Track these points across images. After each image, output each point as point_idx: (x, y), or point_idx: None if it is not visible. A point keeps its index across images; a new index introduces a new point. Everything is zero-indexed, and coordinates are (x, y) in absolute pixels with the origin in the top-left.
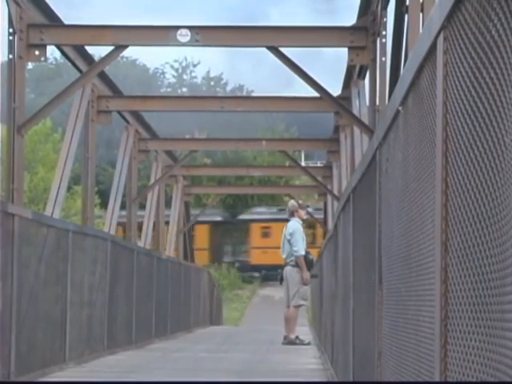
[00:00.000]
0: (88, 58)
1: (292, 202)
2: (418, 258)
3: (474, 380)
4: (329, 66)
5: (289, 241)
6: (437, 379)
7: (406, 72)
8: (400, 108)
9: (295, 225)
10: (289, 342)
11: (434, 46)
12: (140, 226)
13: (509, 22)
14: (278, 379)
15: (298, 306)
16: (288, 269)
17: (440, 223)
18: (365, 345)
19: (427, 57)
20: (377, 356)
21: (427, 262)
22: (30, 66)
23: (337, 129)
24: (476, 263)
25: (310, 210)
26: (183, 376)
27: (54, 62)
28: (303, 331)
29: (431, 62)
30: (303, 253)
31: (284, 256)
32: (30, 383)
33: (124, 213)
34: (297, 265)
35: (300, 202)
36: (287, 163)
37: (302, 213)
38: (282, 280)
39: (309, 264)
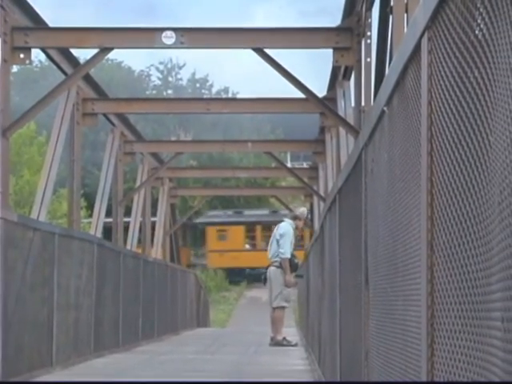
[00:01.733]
0: (73, 61)
1: (304, 210)
2: (404, 257)
3: (461, 379)
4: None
5: (277, 241)
6: (424, 378)
7: (391, 72)
8: (385, 108)
9: (287, 227)
10: (276, 343)
11: (418, 47)
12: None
13: (492, 21)
14: (266, 380)
15: (280, 308)
16: (272, 269)
17: (426, 223)
18: (352, 345)
19: (412, 57)
20: (364, 356)
21: (413, 262)
22: (14, 69)
23: (322, 130)
24: (462, 262)
25: None
26: (171, 378)
27: (38, 65)
28: (290, 332)
29: (416, 62)
30: (289, 256)
31: (269, 256)
32: (31, 383)
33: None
34: (281, 266)
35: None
36: (273, 165)
37: (301, 223)
38: (265, 280)
39: (293, 268)
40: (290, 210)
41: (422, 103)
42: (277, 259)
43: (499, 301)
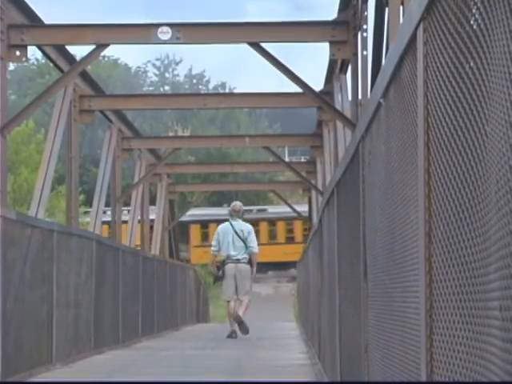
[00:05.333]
0: (69, 58)
1: (241, 204)
2: (403, 249)
3: (460, 369)
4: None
5: (243, 239)
6: (423, 369)
7: (387, 64)
8: (381, 100)
9: (248, 225)
10: (246, 329)
11: (413, 38)
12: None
13: (487, 11)
14: (266, 375)
15: (249, 300)
16: (243, 266)
17: (423, 214)
18: (351, 338)
19: (407, 48)
20: (364, 349)
21: (411, 253)
22: (11, 67)
23: (320, 124)
24: (460, 253)
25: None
26: (171, 374)
27: (35, 63)
28: (290, 326)
29: (411, 54)
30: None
31: (234, 253)
32: (31, 383)
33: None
34: (249, 262)
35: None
36: (271, 159)
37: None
38: (222, 277)
39: None
40: (290, 206)
41: (418, 94)
42: (245, 256)
43: (497, 290)
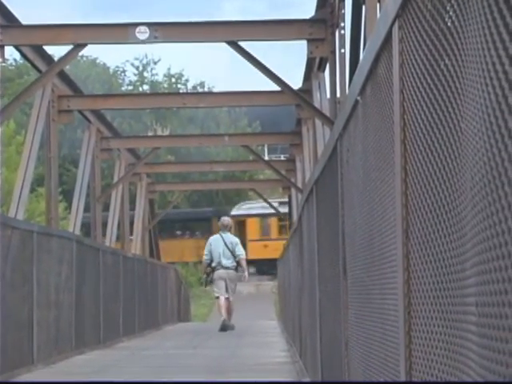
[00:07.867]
0: (47, 58)
1: (229, 219)
2: (381, 246)
3: (438, 365)
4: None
5: (231, 250)
6: (402, 366)
7: (364, 62)
8: (359, 98)
9: (235, 238)
10: (232, 327)
11: (389, 35)
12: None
13: (461, 9)
14: (248, 374)
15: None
16: (232, 272)
17: (401, 211)
18: (332, 335)
19: (383, 46)
20: (344, 346)
21: (389, 250)
22: None
23: (299, 122)
24: (437, 249)
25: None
26: (153, 374)
27: (13, 64)
28: (271, 325)
29: (387, 51)
30: None
31: (224, 261)
32: (31, 383)
33: None
34: (236, 269)
35: None
36: (251, 158)
37: None
38: (210, 281)
39: None
40: (269, 203)
41: (394, 91)
42: (234, 264)
43: (473, 286)
